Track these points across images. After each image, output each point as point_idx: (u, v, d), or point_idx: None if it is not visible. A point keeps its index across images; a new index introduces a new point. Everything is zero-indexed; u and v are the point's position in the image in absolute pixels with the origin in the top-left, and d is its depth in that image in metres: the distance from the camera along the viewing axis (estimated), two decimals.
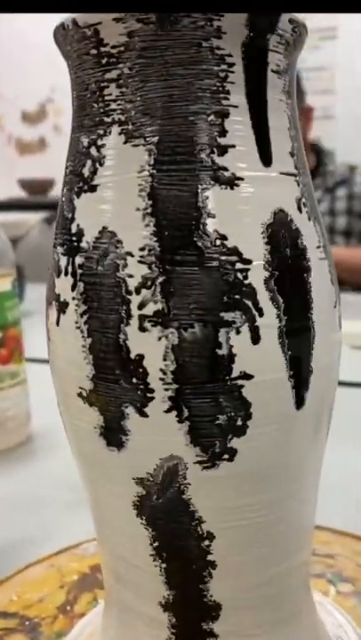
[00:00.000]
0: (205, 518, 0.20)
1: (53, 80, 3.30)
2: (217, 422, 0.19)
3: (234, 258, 0.19)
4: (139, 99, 0.19)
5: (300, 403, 0.20)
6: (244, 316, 0.19)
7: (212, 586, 0.21)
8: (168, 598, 0.21)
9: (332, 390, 0.22)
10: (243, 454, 0.20)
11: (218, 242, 0.19)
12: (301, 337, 0.20)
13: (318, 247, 0.20)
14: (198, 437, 0.20)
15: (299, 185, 0.20)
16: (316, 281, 0.20)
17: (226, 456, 0.20)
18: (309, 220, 0.20)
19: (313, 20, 2.78)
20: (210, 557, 0.21)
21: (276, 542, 0.22)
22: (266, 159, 0.19)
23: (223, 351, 0.19)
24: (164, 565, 0.21)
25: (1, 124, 3.49)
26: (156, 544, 0.21)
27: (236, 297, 0.19)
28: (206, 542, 0.20)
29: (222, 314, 0.19)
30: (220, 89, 0.19)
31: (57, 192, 2.81)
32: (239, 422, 0.19)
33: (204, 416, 0.20)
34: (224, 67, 0.19)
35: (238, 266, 0.19)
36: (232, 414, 0.19)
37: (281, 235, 0.19)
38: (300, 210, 0.20)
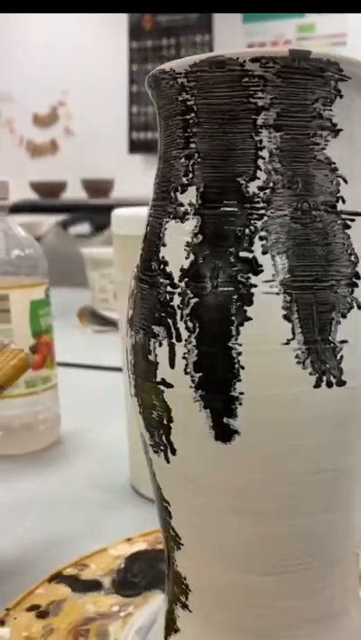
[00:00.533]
0: None
1: (64, 83, 3.39)
2: (153, 416, 0.24)
3: (167, 281, 0.23)
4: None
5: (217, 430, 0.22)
6: (165, 332, 0.23)
7: None
8: None
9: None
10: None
11: (162, 266, 0.23)
12: (216, 362, 0.22)
13: (267, 281, 0.22)
14: (145, 427, 0.25)
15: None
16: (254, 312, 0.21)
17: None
18: (264, 254, 0.22)
19: (323, 27, 2.85)
20: None
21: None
22: None
23: (151, 357, 0.23)
24: None
25: (12, 126, 3.54)
26: None
27: (163, 314, 0.23)
28: None
29: (153, 326, 0.23)
30: None
31: (68, 195, 2.85)
32: (165, 421, 0.24)
33: (146, 409, 0.24)
34: None
35: (169, 289, 0.23)
36: (159, 414, 0.24)
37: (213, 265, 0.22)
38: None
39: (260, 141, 0.22)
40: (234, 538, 0.24)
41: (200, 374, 0.22)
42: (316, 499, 0.23)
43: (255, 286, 0.22)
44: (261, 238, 0.22)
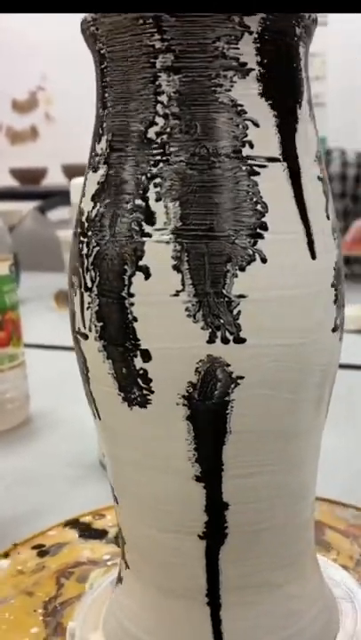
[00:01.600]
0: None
1: (44, 68, 3.22)
2: (81, 367, 0.25)
3: (79, 230, 0.24)
4: None
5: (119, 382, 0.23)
6: (78, 281, 0.23)
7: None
8: None
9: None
10: None
11: (79, 216, 0.24)
12: (112, 313, 0.22)
13: (159, 230, 0.22)
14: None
15: None
16: None
17: None
18: (158, 201, 0.22)
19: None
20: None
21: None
22: None
23: (71, 307, 0.24)
24: None
25: None
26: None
27: (76, 264, 0.24)
28: None
29: (72, 276, 0.24)
30: None
31: (49, 181, 2.77)
32: (85, 372, 0.25)
33: (78, 360, 0.25)
34: None
35: (80, 238, 0.23)
36: (82, 364, 0.25)
37: None
38: None
39: (159, 85, 0.21)
40: (150, 494, 0.24)
41: (101, 324, 0.22)
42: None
43: (148, 235, 0.21)
44: (156, 185, 0.21)
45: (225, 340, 0.21)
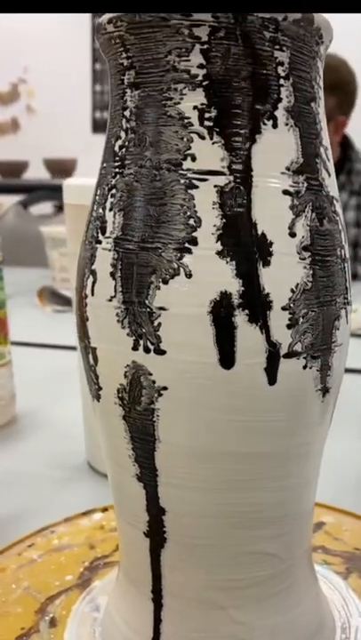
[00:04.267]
0: None
1: (25, 61, 2.97)
2: None
3: None
4: None
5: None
6: None
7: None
8: None
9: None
10: None
11: None
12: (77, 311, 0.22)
13: (106, 238, 0.23)
14: None
15: None
16: None
17: None
18: (110, 211, 0.23)
19: None
20: None
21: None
22: None
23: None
24: None
25: None
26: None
27: None
28: None
29: None
30: None
31: (30, 175, 2.52)
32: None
33: None
34: None
35: None
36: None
37: None
38: None
39: (125, 101, 0.22)
40: (115, 485, 0.25)
41: (76, 322, 0.25)
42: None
43: (99, 242, 0.23)
44: (112, 196, 0.22)
45: (147, 350, 0.21)
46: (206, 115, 0.21)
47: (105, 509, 0.38)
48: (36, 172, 2.72)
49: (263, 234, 0.21)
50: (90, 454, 0.48)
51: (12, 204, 1.87)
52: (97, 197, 0.23)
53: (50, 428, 0.55)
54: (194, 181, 0.21)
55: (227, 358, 0.21)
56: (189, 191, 0.21)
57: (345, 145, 1.35)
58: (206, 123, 0.21)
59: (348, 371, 0.64)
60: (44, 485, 0.45)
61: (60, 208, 2.03)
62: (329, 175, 0.23)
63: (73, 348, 0.63)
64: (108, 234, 0.22)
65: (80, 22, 3.19)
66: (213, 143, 0.21)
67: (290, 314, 0.21)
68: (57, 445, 0.51)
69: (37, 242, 1.17)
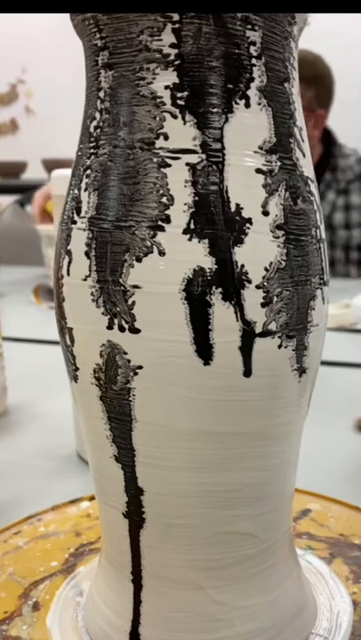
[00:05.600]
0: None
1: (24, 61, 2.98)
2: None
3: None
4: None
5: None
6: None
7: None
8: None
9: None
10: None
11: None
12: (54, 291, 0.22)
13: (81, 218, 0.23)
14: None
15: None
16: None
17: None
18: (85, 191, 0.23)
19: None
20: None
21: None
22: None
23: None
24: None
25: None
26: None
27: None
28: None
29: None
30: None
31: (29, 175, 2.48)
32: None
33: None
34: None
35: None
36: None
37: None
38: None
39: (100, 82, 0.22)
40: (94, 467, 0.25)
41: (55, 302, 0.25)
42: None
43: (75, 222, 0.23)
44: (87, 177, 0.22)
45: (121, 329, 0.21)
46: (178, 94, 0.21)
47: (92, 498, 0.39)
48: (35, 173, 2.74)
49: (236, 212, 0.21)
50: (79, 446, 0.48)
51: (10, 203, 1.89)
52: (73, 179, 0.23)
53: (41, 421, 0.56)
54: (166, 160, 0.21)
55: (201, 337, 0.21)
56: (162, 169, 0.21)
57: (327, 141, 1.31)
58: (179, 102, 0.21)
59: (341, 364, 0.65)
60: (34, 475, 0.46)
61: None
62: (304, 155, 0.23)
63: None
64: (82, 214, 0.22)
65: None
66: (186, 122, 0.21)
67: (264, 292, 0.21)
68: (47, 437, 0.52)
69: (33, 240, 1.16)
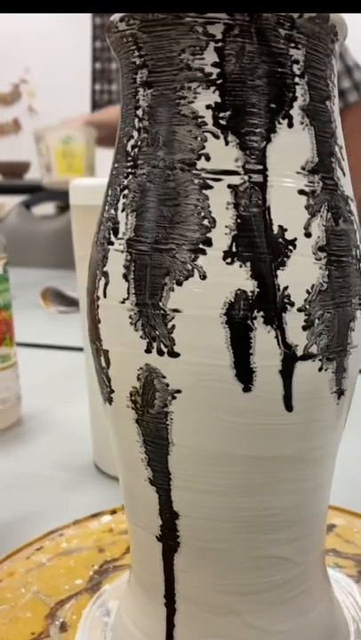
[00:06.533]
0: None
1: (27, 61, 2.97)
2: None
3: None
4: None
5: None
6: None
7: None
8: None
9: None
10: None
11: None
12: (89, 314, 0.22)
13: (119, 239, 0.22)
14: None
15: None
16: None
17: None
18: (123, 212, 0.22)
19: None
20: None
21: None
22: None
23: None
24: None
25: None
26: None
27: None
28: None
29: None
30: None
31: (32, 175, 2.43)
32: None
33: None
34: None
35: None
36: None
37: None
38: None
39: (138, 100, 0.22)
40: (126, 488, 0.25)
41: (88, 324, 0.24)
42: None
43: (112, 243, 0.22)
44: (124, 197, 0.22)
45: (160, 352, 0.21)
46: (220, 114, 0.20)
47: (114, 512, 0.38)
48: (38, 173, 2.78)
49: (279, 234, 0.20)
50: (96, 455, 0.47)
51: (15, 205, 1.88)
52: (108, 198, 0.23)
53: (56, 430, 0.55)
54: (208, 181, 0.20)
55: (241, 361, 0.21)
56: (203, 191, 0.20)
57: None
58: (220, 122, 0.20)
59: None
60: (50, 487, 0.45)
61: (62, 208, 2.03)
62: (344, 174, 0.22)
63: (77, 349, 0.63)
64: (120, 235, 0.22)
65: (80, 22, 3.03)
66: (228, 143, 0.20)
67: (305, 315, 0.21)
68: (63, 447, 0.51)
69: (39, 242, 1.16)
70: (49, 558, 0.34)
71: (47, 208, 2.15)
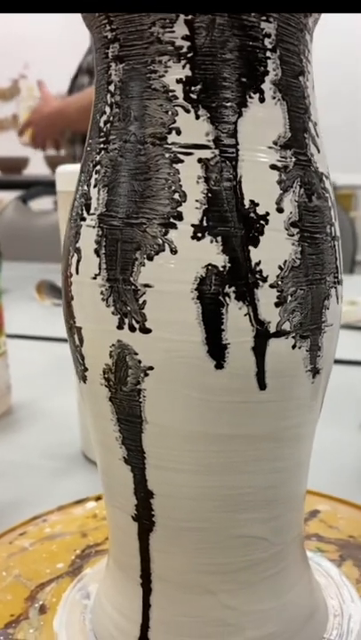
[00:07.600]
0: None
1: (26, 56, 2.98)
2: None
3: None
4: None
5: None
6: None
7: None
8: None
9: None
10: None
11: None
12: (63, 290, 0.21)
13: (91, 215, 0.22)
14: None
15: None
16: None
17: None
18: (95, 187, 0.22)
19: None
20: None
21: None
22: None
23: None
24: None
25: None
26: None
27: None
28: None
29: None
30: None
31: (31, 171, 2.47)
32: None
33: None
34: None
35: None
36: None
37: None
38: None
39: (110, 75, 0.22)
40: (103, 469, 0.25)
41: (64, 302, 0.24)
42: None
43: (84, 219, 0.22)
44: (97, 172, 0.22)
45: (132, 328, 0.21)
46: (191, 88, 0.20)
47: (98, 498, 0.38)
48: (37, 169, 2.73)
49: (250, 208, 0.20)
50: (84, 445, 0.47)
51: (12, 199, 1.88)
52: (82, 175, 0.23)
53: (45, 419, 0.55)
54: (179, 155, 0.20)
55: (213, 337, 0.20)
56: (174, 165, 0.20)
57: None
58: (191, 96, 0.20)
59: (347, 362, 0.64)
60: (39, 475, 0.45)
61: None
62: (318, 151, 0.22)
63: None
64: (92, 210, 0.22)
65: (80, 19, 3.32)
66: (198, 117, 0.20)
67: (278, 291, 0.21)
68: (52, 436, 0.51)
69: (36, 236, 1.15)
70: (32, 543, 0.34)
71: (44, 202, 2.14)
